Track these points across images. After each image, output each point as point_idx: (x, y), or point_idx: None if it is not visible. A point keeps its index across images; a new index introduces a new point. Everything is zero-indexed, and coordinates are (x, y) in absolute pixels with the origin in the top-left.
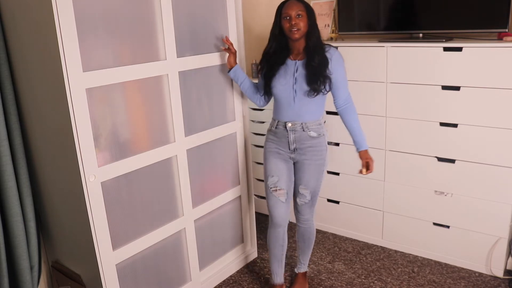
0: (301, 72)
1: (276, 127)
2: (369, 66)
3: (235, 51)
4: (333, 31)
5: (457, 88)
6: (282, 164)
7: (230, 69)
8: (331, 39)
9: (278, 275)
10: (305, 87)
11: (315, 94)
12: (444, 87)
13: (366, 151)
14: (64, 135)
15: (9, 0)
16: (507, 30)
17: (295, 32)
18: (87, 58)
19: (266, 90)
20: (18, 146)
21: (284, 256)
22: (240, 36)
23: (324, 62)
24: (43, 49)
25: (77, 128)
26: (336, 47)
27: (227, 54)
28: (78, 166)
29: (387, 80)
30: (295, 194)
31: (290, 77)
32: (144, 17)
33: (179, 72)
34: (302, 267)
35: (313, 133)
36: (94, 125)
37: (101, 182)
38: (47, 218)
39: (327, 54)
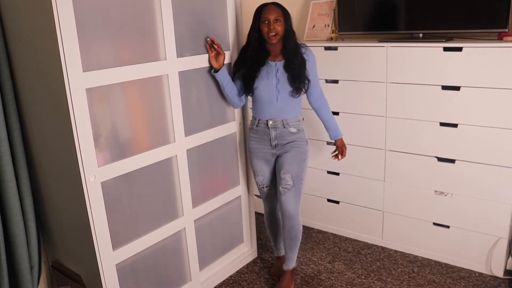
0: (282, 73)
1: (257, 125)
2: (369, 66)
3: (224, 53)
4: (333, 31)
5: (457, 88)
6: (264, 166)
7: (218, 69)
8: (331, 39)
9: (281, 249)
10: (288, 88)
11: (298, 94)
12: (444, 87)
13: (341, 139)
14: (64, 135)
15: (9, 0)
16: (507, 30)
17: (273, 37)
18: (87, 58)
19: (247, 91)
20: (18, 146)
21: (281, 232)
22: (240, 36)
23: (303, 63)
24: (43, 49)
25: (77, 128)
26: (338, 47)
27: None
28: (78, 166)
29: (387, 80)
30: (278, 183)
31: (273, 77)
32: (144, 17)
33: (179, 72)
34: (291, 264)
35: (293, 129)
36: (94, 125)
37: (101, 182)
38: (47, 218)
39: (304, 56)
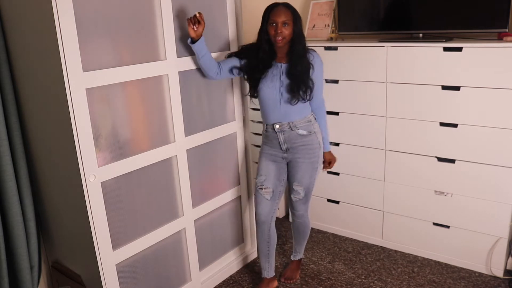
0: (286, 78)
1: (266, 131)
2: (369, 66)
3: (204, 23)
4: (333, 31)
5: (457, 88)
6: (272, 165)
7: (197, 39)
8: (331, 39)
9: (266, 270)
10: (286, 94)
11: (296, 101)
12: (444, 87)
13: (329, 152)
14: (64, 135)
15: (9, 0)
16: (507, 30)
17: (280, 40)
18: (87, 58)
19: (252, 91)
20: (18, 146)
21: (272, 251)
22: (240, 36)
23: (307, 70)
24: (43, 49)
25: (77, 128)
26: (338, 47)
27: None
28: (78, 166)
29: (387, 80)
30: (290, 191)
31: (277, 80)
32: (144, 17)
33: (179, 72)
34: (298, 255)
35: (302, 131)
36: (94, 125)
37: (101, 182)
38: (47, 218)
39: (311, 62)
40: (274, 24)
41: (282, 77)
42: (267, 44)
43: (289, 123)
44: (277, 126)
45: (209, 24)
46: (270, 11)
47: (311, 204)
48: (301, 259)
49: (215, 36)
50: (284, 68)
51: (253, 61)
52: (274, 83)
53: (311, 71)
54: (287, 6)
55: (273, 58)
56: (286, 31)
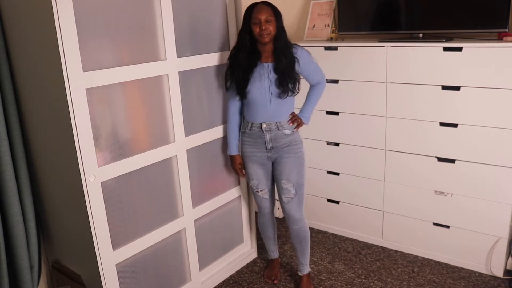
0: (274, 75)
1: (250, 129)
2: (369, 66)
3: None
4: (333, 31)
5: (457, 88)
6: (259, 169)
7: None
8: (331, 39)
9: (274, 252)
10: (276, 90)
11: (286, 95)
12: (444, 87)
13: (301, 120)
14: (64, 135)
15: (9, 0)
16: (507, 30)
17: (266, 36)
18: (87, 58)
19: (240, 95)
20: (18, 146)
21: (276, 234)
22: None
23: (292, 64)
24: (43, 49)
25: (77, 128)
26: (338, 47)
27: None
28: (78, 166)
29: (387, 80)
30: (280, 191)
31: (265, 79)
32: (144, 17)
33: (179, 72)
34: (305, 269)
35: (287, 131)
36: (94, 125)
37: (101, 182)
38: (47, 218)
39: (295, 55)
40: (257, 22)
41: (270, 76)
42: (249, 43)
43: (276, 123)
44: (265, 125)
45: (209, 23)
46: (251, 10)
47: (311, 204)
48: (309, 272)
49: (215, 36)
50: (271, 67)
51: (240, 65)
52: (263, 83)
53: (296, 65)
54: (267, 3)
55: (258, 57)
56: (270, 27)
